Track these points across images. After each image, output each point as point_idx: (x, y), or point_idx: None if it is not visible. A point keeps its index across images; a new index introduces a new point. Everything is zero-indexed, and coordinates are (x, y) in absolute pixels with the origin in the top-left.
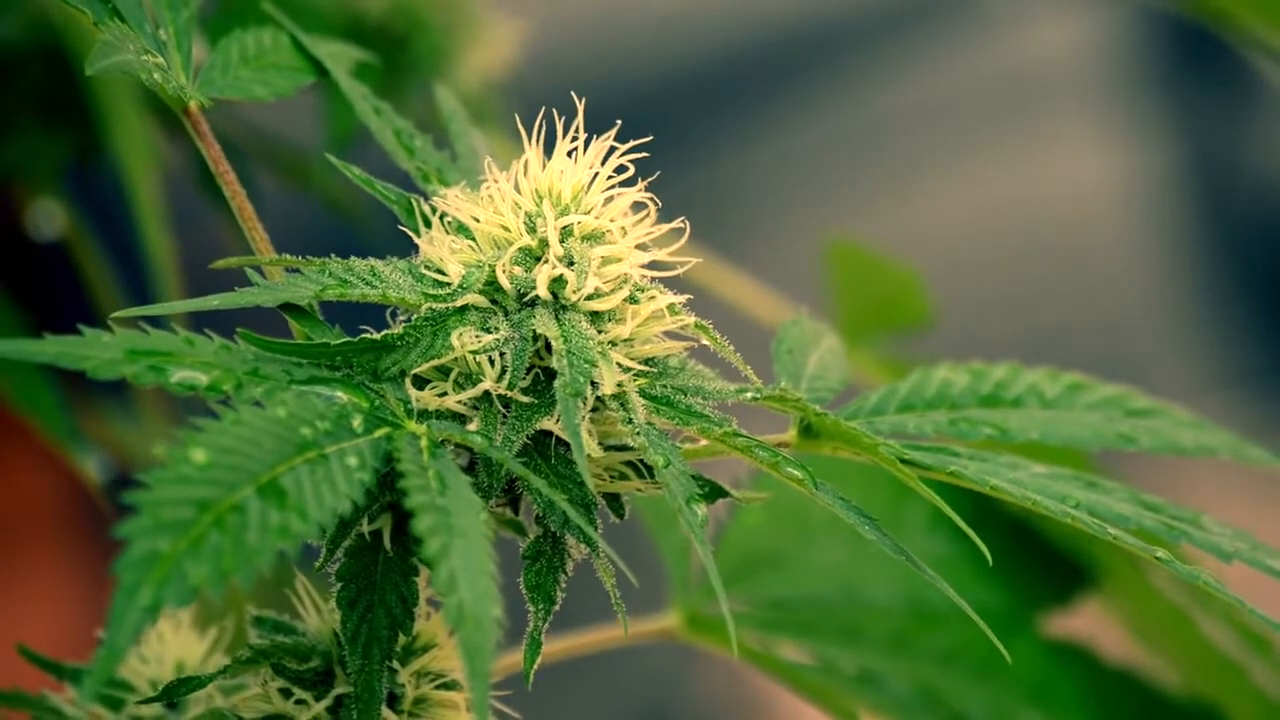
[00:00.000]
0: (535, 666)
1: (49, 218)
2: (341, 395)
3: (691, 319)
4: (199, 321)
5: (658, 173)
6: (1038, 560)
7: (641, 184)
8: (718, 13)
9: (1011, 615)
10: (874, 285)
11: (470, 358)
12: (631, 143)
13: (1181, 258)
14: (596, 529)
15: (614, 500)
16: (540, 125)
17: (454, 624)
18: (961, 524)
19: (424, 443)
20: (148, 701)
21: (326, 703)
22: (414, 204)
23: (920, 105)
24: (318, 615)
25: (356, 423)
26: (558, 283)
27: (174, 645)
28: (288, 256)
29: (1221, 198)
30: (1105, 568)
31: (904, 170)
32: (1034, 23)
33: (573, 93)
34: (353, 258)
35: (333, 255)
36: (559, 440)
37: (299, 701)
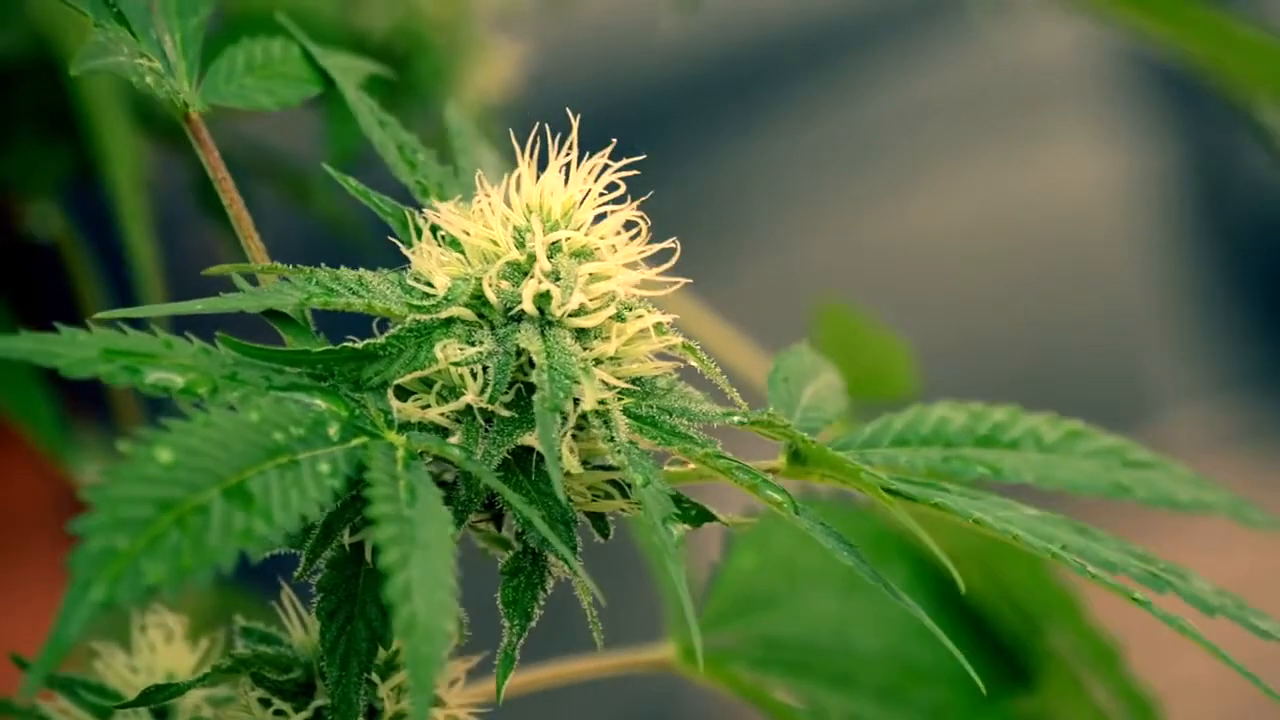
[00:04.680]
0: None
1: (45, 226)
2: (320, 403)
3: (679, 339)
4: (190, 329)
5: (654, 191)
6: (989, 649)
7: (633, 203)
8: (718, 19)
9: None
10: (860, 353)
11: (453, 370)
12: (625, 160)
13: (1180, 258)
14: (576, 547)
15: (598, 520)
16: (535, 141)
17: (404, 633)
18: (938, 551)
19: (400, 453)
20: (126, 706)
21: (306, 714)
22: (408, 217)
23: (920, 106)
24: (302, 627)
25: (332, 431)
26: (543, 298)
27: (165, 656)
28: (277, 264)
29: (1220, 198)
30: (1047, 671)
31: (904, 171)
32: (1033, 23)
33: (568, 109)
34: (342, 267)
35: (323, 265)
36: (541, 457)
37: (278, 712)
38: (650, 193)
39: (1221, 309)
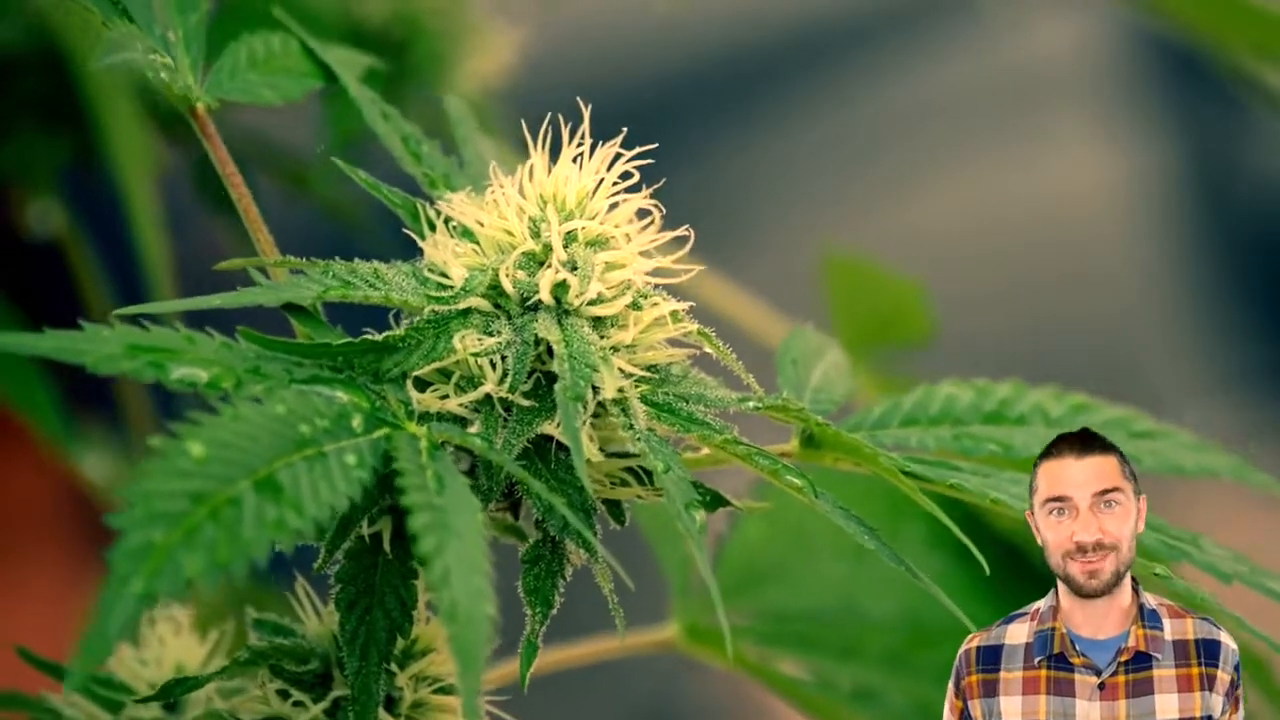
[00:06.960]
0: (531, 670)
1: (45, 219)
2: (342, 395)
3: (694, 326)
4: (198, 324)
5: (663, 179)
6: (1031, 585)
7: (646, 191)
8: (717, 16)
9: None
10: (873, 299)
11: (472, 360)
12: (638, 149)
13: (1181, 258)
14: (595, 534)
15: (614, 507)
16: (546, 131)
17: (446, 621)
18: (958, 532)
19: (423, 444)
20: (144, 701)
21: (324, 705)
22: (419, 208)
23: (919, 106)
24: (317, 618)
25: (356, 422)
26: (561, 287)
27: (174, 648)
28: (291, 258)
29: (1220, 198)
30: None
31: (904, 171)
32: (1033, 23)
33: (579, 99)
34: (356, 260)
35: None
36: (560, 445)
37: (297, 703)
38: (661, 179)
39: (1221, 309)
